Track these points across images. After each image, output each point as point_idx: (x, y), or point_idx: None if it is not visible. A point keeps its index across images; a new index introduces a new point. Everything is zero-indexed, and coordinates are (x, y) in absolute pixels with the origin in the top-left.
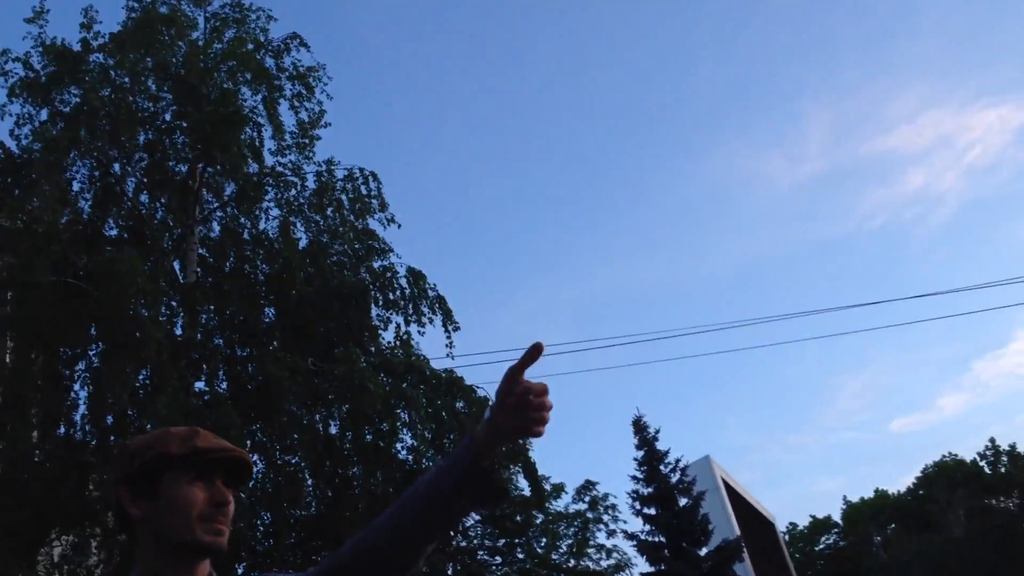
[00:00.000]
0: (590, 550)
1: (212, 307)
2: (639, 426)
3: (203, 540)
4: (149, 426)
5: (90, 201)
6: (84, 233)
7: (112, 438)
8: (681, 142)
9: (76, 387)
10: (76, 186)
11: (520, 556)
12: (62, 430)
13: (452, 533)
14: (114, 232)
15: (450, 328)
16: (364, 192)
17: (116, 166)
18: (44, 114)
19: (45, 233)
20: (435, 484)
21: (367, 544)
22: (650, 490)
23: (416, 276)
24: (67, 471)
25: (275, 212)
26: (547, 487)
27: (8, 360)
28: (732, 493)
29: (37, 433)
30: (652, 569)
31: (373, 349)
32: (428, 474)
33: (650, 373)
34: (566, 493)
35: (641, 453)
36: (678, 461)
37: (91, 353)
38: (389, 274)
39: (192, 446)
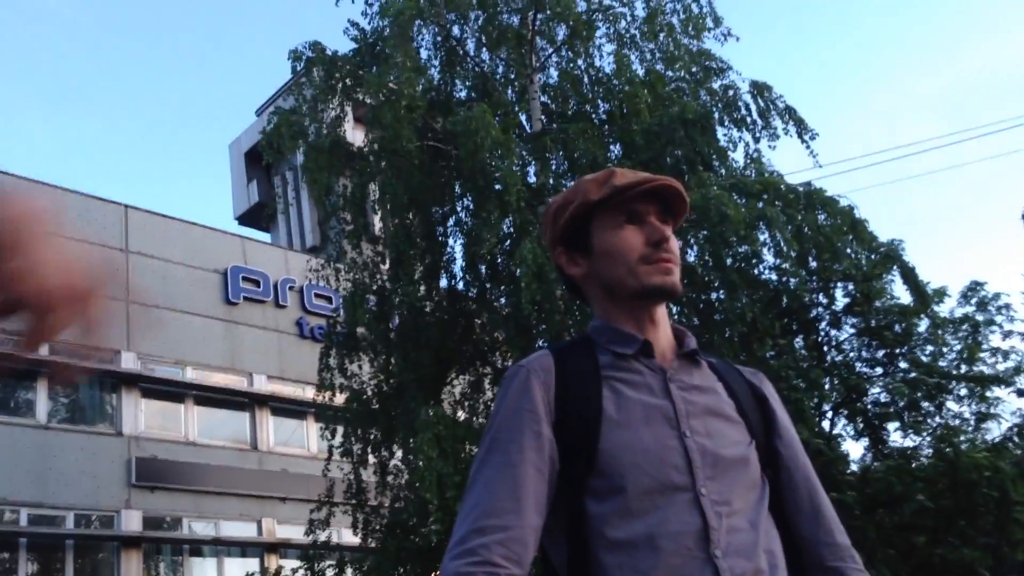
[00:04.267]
0: (983, 354)
1: (560, 152)
2: None
3: (651, 283)
4: (519, 271)
5: (438, 67)
6: (437, 98)
7: (487, 286)
8: None
9: (450, 242)
10: (424, 54)
11: (903, 366)
12: (444, 282)
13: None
14: (463, 93)
15: (806, 137)
16: (695, 12)
17: (456, 29)
18: None
19: (407, 103)
20: None
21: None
22: None
23: (761, 89)
24: (454, 319)
25: (608, 48)
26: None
27: (389, 224)
28: None
29: (424, 286)
30: None
31: (724, 172)
32: None
33: None
34: (949, 296)
35: None
36: None
37: (459, 209)
38: (732, 92)
39: (611, 186)
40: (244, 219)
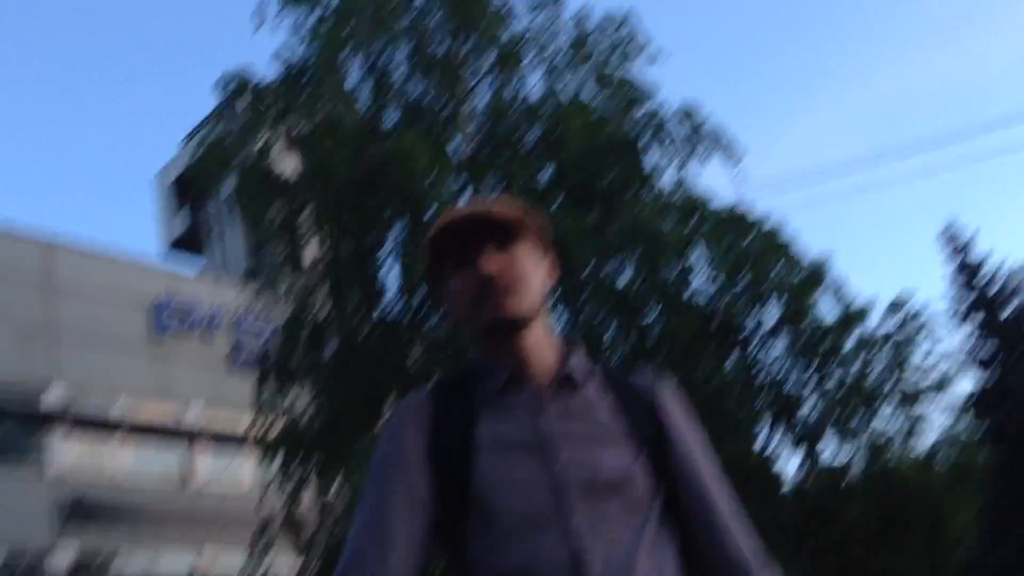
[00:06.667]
0: (908, 370)
1: (493, 176)
2: (951, 234)
3: (484, 324)
4: None
5: (368, 94)
6: (368, 125)
7: (422, 313)
8: None
9: (384, 270)
10: (353, 81)
11: (832, 383)
12: (379, 311)
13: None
14: (395, 119)
15: (732, 161)
16: (623, 36)
17: (385, 56)
18: (312, 19)
19: (340, 130)
20: None
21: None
22: (970, 301)
23: (687, 113)
24: (389, 347)
25: (537, 74)
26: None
27: (323, 252)
28: None
29: (359, 316)
30: (981, 382)
31: (655, 195)
32: None
33: (952, 181)
34: (874, 311)
35: (956, 263)
36: (1001, 266)
37: (391, 236)
38: (659, 117)
39: (433, 237)
40: (174, 247)
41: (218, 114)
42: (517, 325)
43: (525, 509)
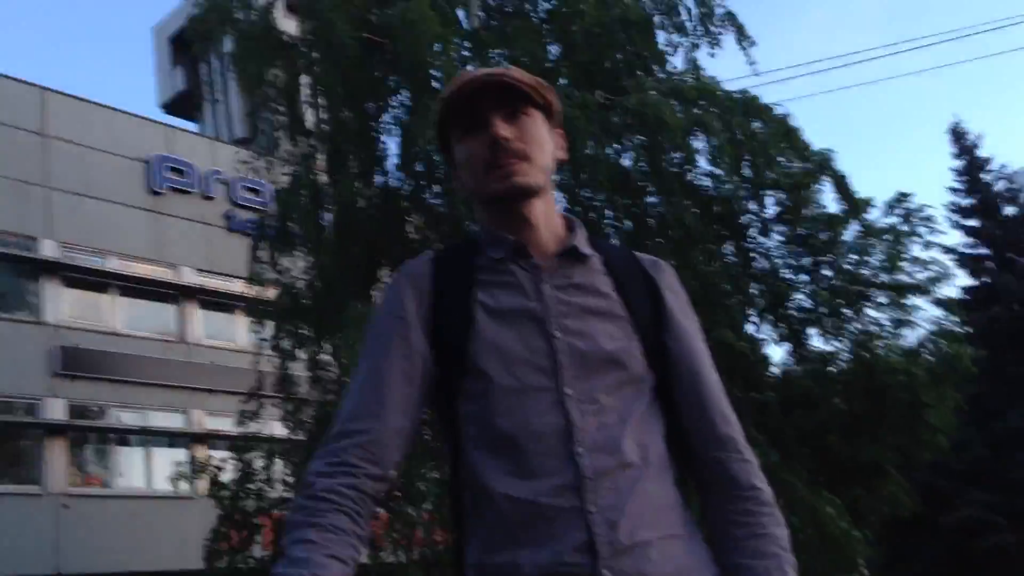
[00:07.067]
0: (904, 263)
1: (499, 50)
2: (957, 133)
3: (492, 191)
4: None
5: None
6: None
7: (422, 183)
8: None
9: (384, 138)
10: None
11: (827, 274)
12: (378, 179)
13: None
14: None
15: (745, 44)
16: None
17: None
18: None
19: None
20: None
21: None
22: (971, 201)
23: None
24: (388, 216)
25: None
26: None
27: (322, 118)
28: None
29: (358, 183)
30: (975, 282)
31: (663, 77)
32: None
33: (966, 77)
34: (875, 207)
35: (960, 163)
36: (1002, 168)
37: (393, 104)
38: None
39: (445, 100)
40: (169, 107)
41: None
42: (526, 192)
43: (519, 376)
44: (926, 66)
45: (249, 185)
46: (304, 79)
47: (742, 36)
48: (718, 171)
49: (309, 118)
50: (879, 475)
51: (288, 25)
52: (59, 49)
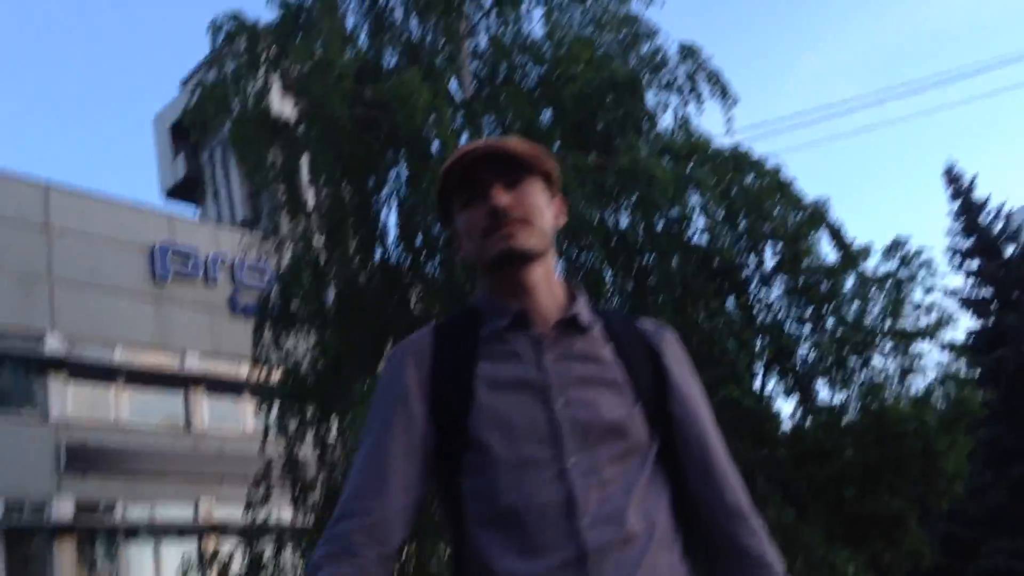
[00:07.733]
0: (906, 309)
1: (492, 117)
2: (952, 176)
3: (492, 254)
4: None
5: (366, 35)
6: (366, 67)
7: (422, 256)
8: None
9: (384, 213)
10: (351, 22)
11: (830, 324)
12: (378, 254)
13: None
14: (392, 61)
15: (728, 103)
16: None
17: None
18: None
19: (339, 72)
20: None
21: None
22: (970, 243)
23: (689, 52)
24: (390, 290)
25: (538, 13)
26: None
27: (322, 196)
28: None
29: (359, 259)
30: (979, 324)
31: (653, 136)
32: None
33: (957, 119)
34: (874, 254)
35: (956, 205)
36: (1001, 208)
37: (392, 179)
38: (660, 56)
39: (445, 171)
40: (172, 193)
41: (213, 58)
42: (525, 257)
43: (521, 449)
44: (916, 110)
45: (252, 267)
46: (303, 158)
47: (725, 95)
48: (714, 227)
49: (310, 197)
50: (898, 527)
51: (285, 106)
52: (62, 142)
